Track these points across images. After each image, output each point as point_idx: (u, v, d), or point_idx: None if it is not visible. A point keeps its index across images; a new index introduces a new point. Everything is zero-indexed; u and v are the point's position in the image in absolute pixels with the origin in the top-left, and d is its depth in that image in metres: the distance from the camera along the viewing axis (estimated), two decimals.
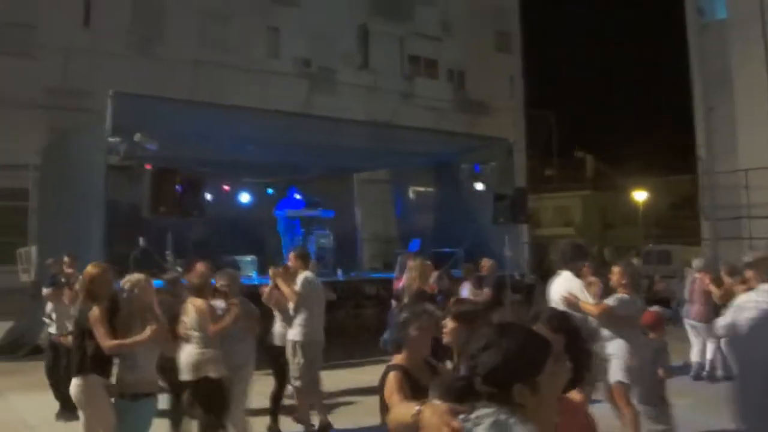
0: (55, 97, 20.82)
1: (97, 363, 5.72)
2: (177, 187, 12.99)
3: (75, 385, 5.77)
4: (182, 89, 17.98)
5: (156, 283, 7.80)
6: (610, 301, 7.63)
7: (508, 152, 18.62)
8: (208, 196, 18.30)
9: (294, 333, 8.45)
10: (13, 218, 18.31)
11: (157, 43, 24.01)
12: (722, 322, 6.03)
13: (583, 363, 2.76)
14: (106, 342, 5.63)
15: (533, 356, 2.21)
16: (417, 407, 2.30)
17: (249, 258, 16.86)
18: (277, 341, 8.72)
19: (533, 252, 29.95)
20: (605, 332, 7.64)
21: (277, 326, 8.81)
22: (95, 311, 5.72)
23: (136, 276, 6.21)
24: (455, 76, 31.92)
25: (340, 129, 17.90)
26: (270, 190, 19.94)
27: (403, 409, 2.49)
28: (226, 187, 19.28)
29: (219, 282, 7.58)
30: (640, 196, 38.54)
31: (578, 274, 7.92)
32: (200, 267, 8.45)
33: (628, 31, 76.25)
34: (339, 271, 16.95)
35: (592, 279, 10.30)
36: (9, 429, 9.00)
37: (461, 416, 2.12)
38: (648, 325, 7.46)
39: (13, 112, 20.04)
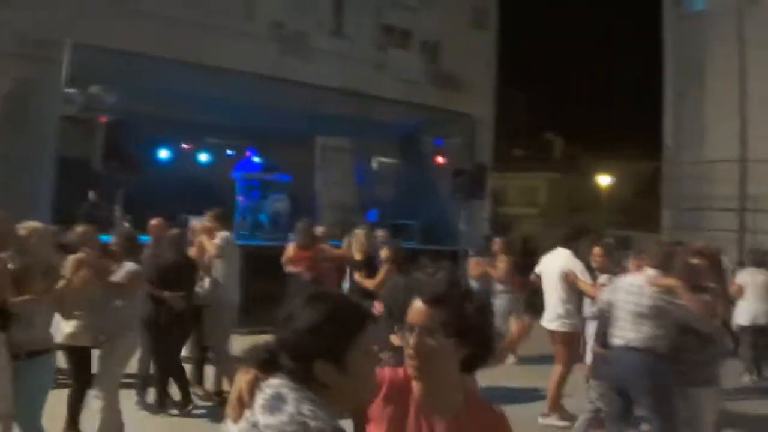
0: (24, 46, 20.42)
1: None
2: (131, 141, 12.89)
3: None
4: (154, 46, 17.63)
5: (104, 238, 7.77)
6: (603, 279, 7.92)
7: (472, 128, 18.63)
8: (166, 154, 18.26)
9: (205, 293, 8.46)
10: None
11: None
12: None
13: (479, 342, 2.33)
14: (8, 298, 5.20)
15: (339, 329, 1.98)
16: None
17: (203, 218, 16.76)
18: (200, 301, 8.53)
19: (495, 229, 30.06)
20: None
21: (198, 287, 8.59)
22: None
23: (34, 224, 5.86)
24: (429, 48, 31.75)
25: (310, 94, 17.80)
26: (230, 152, 19.79)
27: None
28: (186, 146, 19.12)
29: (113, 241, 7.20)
30: (604, 180, 38.75)
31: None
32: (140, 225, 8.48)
33: (604, 18, 76.21)
34: (291, 237, 16.91)
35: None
36: None
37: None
38: None
39: None
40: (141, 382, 8.12)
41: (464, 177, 17.33)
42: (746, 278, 11.09)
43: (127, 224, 11.90)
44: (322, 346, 1.95)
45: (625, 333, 6.03)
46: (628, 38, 68.16)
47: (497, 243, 11.34)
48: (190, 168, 18.59)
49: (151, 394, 8.08)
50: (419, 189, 19.21)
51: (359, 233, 9.98)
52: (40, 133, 13.73)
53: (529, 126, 41.56)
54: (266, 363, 2.00)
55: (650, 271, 6.19)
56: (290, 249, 10.95)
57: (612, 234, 31.34)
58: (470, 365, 2.37)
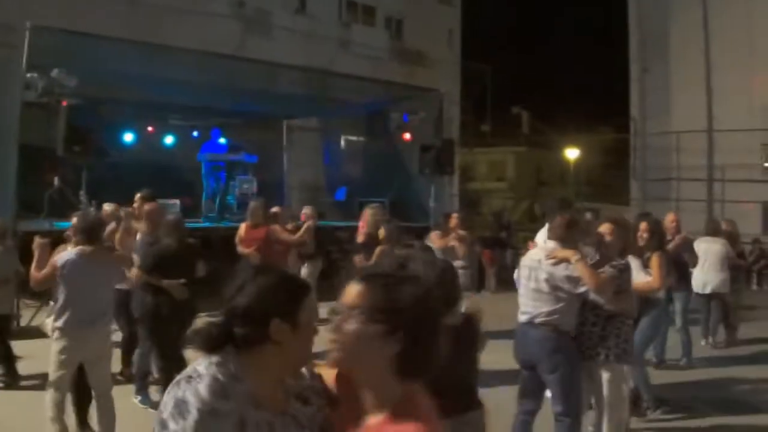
0: None
1: None
2: (94, 125, 12.70)
3: None
4: (116, 27, 17.35)
5: (63, 225, 7.59)
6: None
7: (439, 104, 18.54)
8: (131, 137, 18.01)
9: None
10: None
11: None
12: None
13: (413, 339, 1.97)
14: None
15: (292, 291, 2.13)
16: None
17: (171, 201, 16.58)
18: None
19: (463, 205, 30.09)
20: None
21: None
22: None
23: None
24: (393, 24, 31.56)
25: (274, 74, 17.63)
26: (195, 133, 19.56)
27: None
28: (150, 129, 18.88)
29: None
30: (572, 153, 38.90)
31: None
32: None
33: None
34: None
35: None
36: None
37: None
38: None
39: None
40: (141, 378, 7.79)
41: (432, 153, 17.26)
42: (701, 246, 11.22)
43: (92, 209, 11.70)
44: (279, 305, 2.07)
45: (527, 308, 5.87)
46: (593, 10, 68.24)
47: (454, 218, 11.18)
48: (155, 151, 18.37)
49: (153, 391, 7.72)
50: (387, 166, 19.14)
51: (367, 212, 9.61)
52: (2, 119, 13.45)
53: (496, 100, 41.56)
54: (215, 338, 2.08)
55: (549, 244, 6.00)
56: (242, 229, 10.66)
57: (581, 207, 31.62)
58: (404, 367, 1.97)
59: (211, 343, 2.07)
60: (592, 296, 5.69)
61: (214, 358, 2.05)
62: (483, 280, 17.82)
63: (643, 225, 7.66)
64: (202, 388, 1.97)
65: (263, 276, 2.15)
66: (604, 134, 41.56)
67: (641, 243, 7.42)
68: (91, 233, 6.26)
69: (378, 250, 8.37)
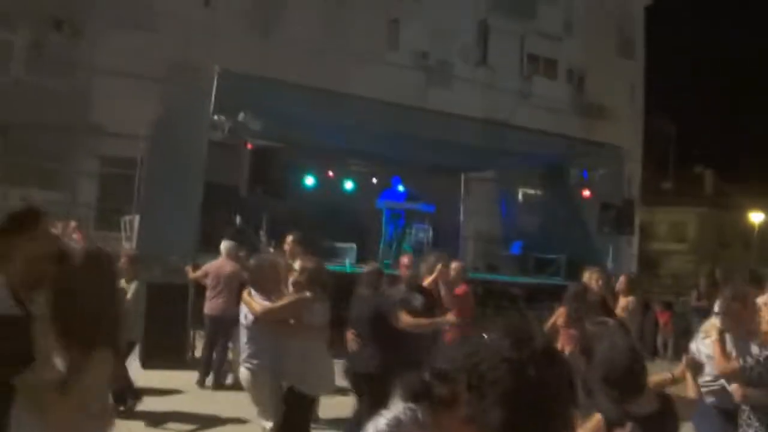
0: (173, 72, 21.27)
1: None
2: (276, 168, 13.07)
3: None
4: (298, 73, 18.04)
5: None
6: None
7: (620, 160, 18.05)
8: (311, 180, 18.48)
9: None
10: (123, 186, 18.82)
11: (276, 27, 24.23)
12: None
13: None
14: None
15: None
16: None
17: (348, 245, 16.83)
18: None
19: (642, 266, 29.09)
20: None
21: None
22: None
23: None
24: (575, 77, 31.17)
25: (454, 125, 17.68)
26: (374, 180, 19.83)
27: None
28: (330, 173, 19.29)
29: None
30: (756, 217, 36.94)
31: None
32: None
33: (757, 43, 73.16)
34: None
35: None
36: None
37: None
38: None
39: (131, 83, 20.59)
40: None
41: (612, 212, 16.79)
42: None
43: (271, 249, 12.01)
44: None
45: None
46: None
47: (621, 280, 10.12)
48: (334, 195, 18.72)
49: None
50: (565, 221, 18.70)
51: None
52: (188, 158, 14.09)
53: (678, 158, 40.19)
54: (416, 390, 2.14)
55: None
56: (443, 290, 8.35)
57: (763, 273, 29.78)
58: None
59: (411, 393, 2.19)
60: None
61: (410, 404, 2.22)
62: (656, 346, 17.11)
63: None
64: (383, 420, 2.29)
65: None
66: None
67: None
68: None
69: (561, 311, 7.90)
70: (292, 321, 6.32)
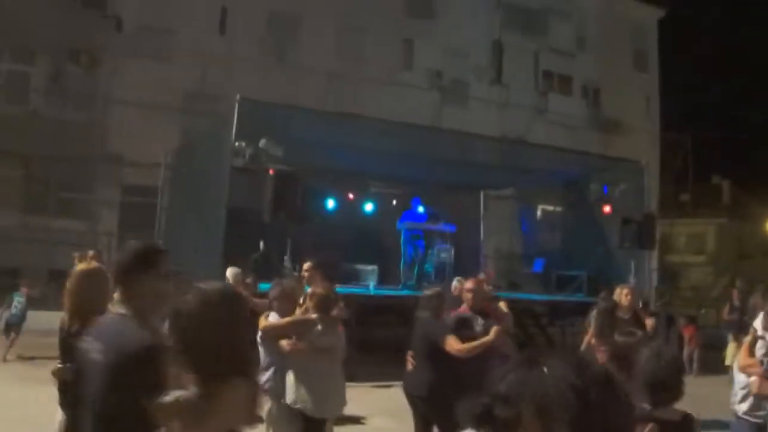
0: (191, 101, 21.51)
1: None
2: (298, 193, 13.12)
3: None
4: (314, 98, 18.24)
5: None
6: None
7: (639, 174, 18.00)
8: (332, 204, 18.55)
9: None
10: (144, 215, 18.95)
11: (291, 52, 24.43)
12: None
13: None
14: None
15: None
16: None
17: (370, 267, 16.85)
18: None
19: (662, 279, 28.94)
20: None
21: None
22: None
23: None
24: (590, 93, 31.19)
25: (470, 144, 17.73)
26: (394, 201, 19.88)
27: None
28: (350, 196, 19.36)
29: None
30: None
31: None
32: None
33: None
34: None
35: None
36: None
37: None
38: None
39: (151, 112, 20.84)
40: None
41: (632, 226, 16.74)
42: None
43: (296, 274, 12.03)
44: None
45: None
46: None
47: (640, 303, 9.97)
48: (355, 217, 18.78)
49: None
50: (586, 238, 18.62)
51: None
52: (209, 185, 14.18)
53: (696, 169, 39.96)
54: (478, 416, 2.14)
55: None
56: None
57: None
58: None
59: (473, 419, 2.16)
60: None
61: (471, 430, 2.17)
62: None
63: None
64: None
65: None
66: None
67: None
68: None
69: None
70: (293, 339, 6.54)
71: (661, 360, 3.67)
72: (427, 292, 7.53)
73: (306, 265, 9.30)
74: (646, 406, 3.63)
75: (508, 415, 2.06)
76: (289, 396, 6.47)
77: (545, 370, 2.04)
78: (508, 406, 2.06)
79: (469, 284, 7.82)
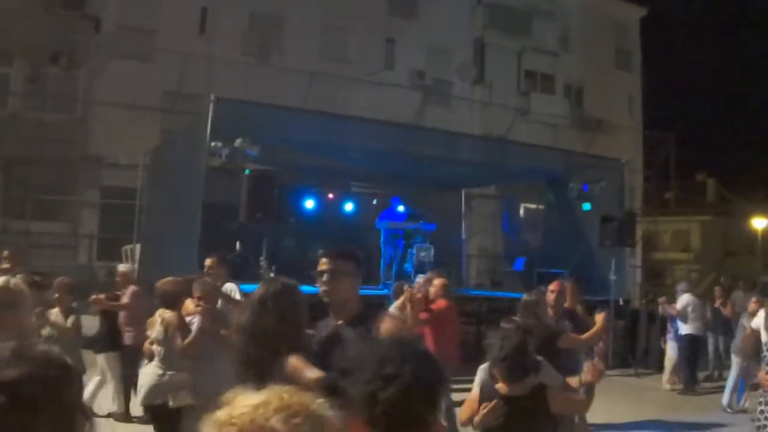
0: (170, 101, 21.35)
1: None
2: (275, 192, 13.01)
3: None
4: (297, 98, 18.11)
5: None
6: None
7: (620, 172, 18.02)
8: (312, 203, 18.45)
9: None
10: (123, 216, 18.85)
11: (273, 52, 24.35)
12: None
13: None
14: None
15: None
16: None
17: None
18: None
19: (647, 276, 28.96)
20: None
21: None
22: None
23: None
24: (572, 92, 31.21)
25: (453, 143, 17.69)
26: (375, 201, 19.80)
27: None
28: (330, 195, 19.27)
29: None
30: (759, 223, 36.78)
31: None
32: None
33: (754, 51, 73.27)
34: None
35: None
36: None
37: None
38: None
39: (130, 113, 20.68)
40: None
41: (613, 224, 16.74)
42: None
43: (272, 274, 11.95)
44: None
45: None
46: None
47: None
48: (335, 217, 18.68)
49: None
50: (567, 236, 18.61)
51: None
52: (186, 186, 14.06)
53: (680, 167, 40.01)
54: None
55: None
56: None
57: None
58: None
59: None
60: None
61: None
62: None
63: None
64: None
65: None
66: None
67: None
68: None
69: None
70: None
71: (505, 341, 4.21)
72: (527, 297, 7.24)
73: (208, 261, 8.23)
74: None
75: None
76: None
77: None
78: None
79: (552, 285, 7.84)
